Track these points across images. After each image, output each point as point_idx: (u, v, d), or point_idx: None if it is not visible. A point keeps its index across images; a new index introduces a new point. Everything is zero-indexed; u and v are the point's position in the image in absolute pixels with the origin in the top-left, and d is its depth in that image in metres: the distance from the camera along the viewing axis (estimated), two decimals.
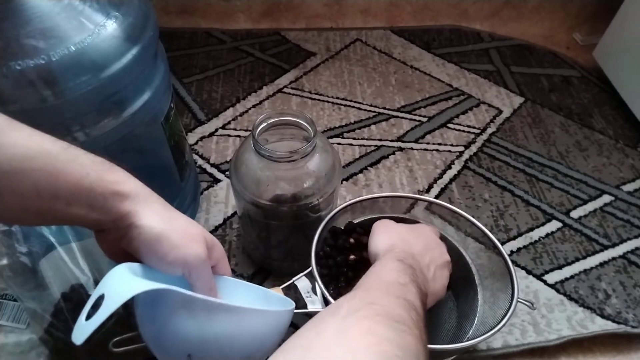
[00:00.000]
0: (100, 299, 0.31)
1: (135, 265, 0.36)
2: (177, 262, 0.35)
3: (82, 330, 0.30)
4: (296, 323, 0.63)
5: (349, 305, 0.32)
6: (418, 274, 0.43)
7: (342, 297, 0.35)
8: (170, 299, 0.34)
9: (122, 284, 0.32)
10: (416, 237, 0.50)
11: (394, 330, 0.30)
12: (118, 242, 0.36)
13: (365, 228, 0.59)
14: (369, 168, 0.84)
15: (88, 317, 0.30)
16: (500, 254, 0.57)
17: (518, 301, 0.52)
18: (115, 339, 0.43)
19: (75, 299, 0.51)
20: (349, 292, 0.37)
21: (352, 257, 0.55)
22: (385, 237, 0.50)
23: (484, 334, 0.49)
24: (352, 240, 0.57)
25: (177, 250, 0.35)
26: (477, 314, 0.56)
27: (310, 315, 0.63)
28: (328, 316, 0.32)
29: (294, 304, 0.43)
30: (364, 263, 0.57)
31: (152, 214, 0.36)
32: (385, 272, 0.41)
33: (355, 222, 0.61)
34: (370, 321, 0.31)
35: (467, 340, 0.51)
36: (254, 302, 0.44)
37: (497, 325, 0.49)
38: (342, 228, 0.60)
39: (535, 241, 0.74)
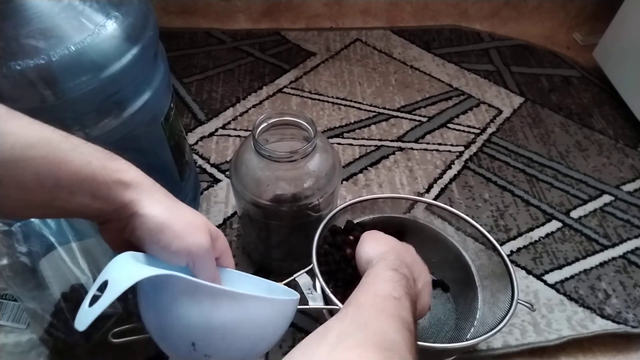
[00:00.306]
0: (104, 285, 0.30)
1: (139, 254, 0.35)
2: (180, 251, 0.35)
3: (86, 316, 0.29)
4: (295, 322, 0.63)
5: (340, 330, 0.31)
6: (411, 284, 0.41)
7: (333, 318, 0.34)
8: (174, 286, 0.33)
9: (126, 270, 0.32)
10: (405, 248, 0.49)
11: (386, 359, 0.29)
12: (121, 232, 0.36)
13: (365, 228, 0.59)
14: (369, 168, 0.84)
15: (92, 303, 0.30)
16: (499, 255, 0.57)
17: (518, 302, 0.52)
18: (115, 330, 0.43)
19: (75, 299, 0.52)
20: (339, 312, 0.35)
21: (348, 251, 0.55)
22: (375, 244, 0.48)
23: (483, 335, 0.49)
24: (351, 237, 0.57)
25: (180, 240, 0.35)
26: (477, 315, 0.56)
27: (311, 313, 0.63)
28: (317, 341, 0.30)
29: (298, 295, 0.43)
30: None
31: (155, 203, 0.35)
32: (379, 283, 0.39)
33: (354, 222, 0.61)
34: (361, 350, 0.29)
35: (467, 341, 0.51)
36: (258, 293, 0.44)
37: (497, 325, 0.49)
38: (342, 227, 0.60)
39: (535, 241, 0.74)
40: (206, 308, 0.34)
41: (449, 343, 0.56)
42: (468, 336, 0.54)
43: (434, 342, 0.57)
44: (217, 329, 0.34)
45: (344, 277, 0.55)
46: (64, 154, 0.32)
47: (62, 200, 0.33)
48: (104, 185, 0.33)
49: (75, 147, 0.33)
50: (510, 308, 0.51)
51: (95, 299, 0.30)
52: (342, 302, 0.49)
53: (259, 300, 0.36)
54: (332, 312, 0.53)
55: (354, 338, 0.30)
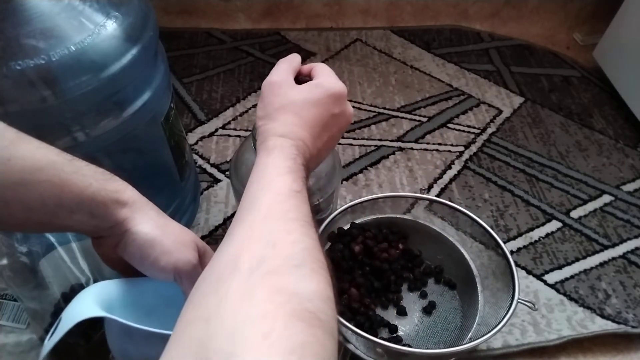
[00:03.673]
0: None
1: (111, 282, 0.38)
2: (167, 267, 0.36)
3: (44, 347, 0.32)
4: None
5: (250, 254, 0.28)
6: (308, 157, 0.37)
7: (237, 240, 0.30)
8: (115, 325, 0.35)
9: (75, 309, 0.34)
10: (304, 106, 0.39)
11: (302, 278, 0.27)
12: (114, 247, 0.37)
13: (367, 229, 0.60)
14: (369, 168, 0.84)
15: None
16: (502, 253, 0.56)
17: (519, 302, 0.52)
18: None
19: None
20: (238, 224, 0.31)
21: (356, 248, 0.57)
22: (270, 114, 0.39)
23: (484, 335, 0.49)
24: (359, 243, 0.59)
25: (168, 256, 0.36)
26: (478, 314, 0.56)
27: None
28: (229, 274, 0.27)
29: None
30: (369, 256, 0.58)
31: (147, 220, 0.37)
32: (277, 177, 0.34)
33: (357, 223, 0.61)
34: (275, 276, 0.27)
35: (469, 341, 0.51)
36: None
37: (496, 326, 0.49)
38: (345, 229, 0.60)
39: (535, 241, 0.74)
40: (141, 346, 0.36)
41: (455, 342, 0.56)
42: (470, 335, 0.54)
43: (439, 341, 0.57)
44: None
45: (345, 267, 0.57)
46: (68, 176, 0.34)
47: (61, 219, 0.34)
48: (103, 205, 0.35)
49: (78, 170, 0.35)
50: (510, 307, 0.51)
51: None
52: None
53: None
54: None
55: (267, 263, 0.27)
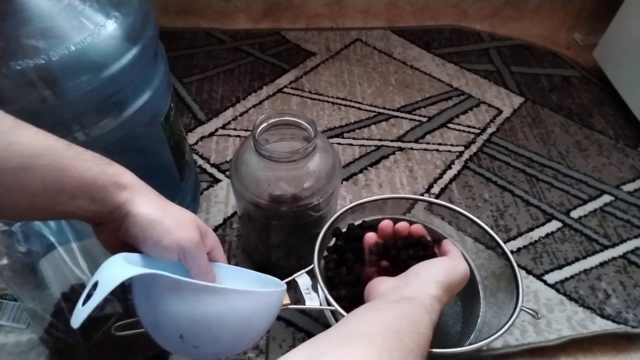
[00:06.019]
0: (96, 285, 0.32)
1: (132, 254, 0.37)
2: (171, 246, 0.37)
3: (79, 314, 0.31)
4: (295, 322, 0.63)
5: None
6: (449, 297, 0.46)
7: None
8: (160, 283, 0.35)
9: (114, 270, 0.34)
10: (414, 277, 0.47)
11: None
12: (115, 232, 0.37)
13: (370, 229, 0.59)
14: (369, 168, 0.84)
15: (85, 303, 0.32)
16: (504, 255, 0.56)
17: (522, 309, 0.51)
18: (117, 324, 0.45)
19: (75, 299, 0.51)
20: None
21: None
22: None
23: (484, 339, 0.49)
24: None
25: (171, 235, 0.36)
26: (479, 314, 0.56)
27: (311, 313, 0.63)
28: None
29: (283, 287, 0.44)
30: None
31: (148, 202, 0.37)
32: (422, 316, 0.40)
33: (363, 221, 0.61)
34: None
35: (469, 345, 0.50)
36: (249, 286, 0.45)
37: (498, 331, 0.49)
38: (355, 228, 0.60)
39: (535, 241, 0.74)
40: (190, 303, 0.35)
41: (454, 345, 0.56)
42: (471, 337, 0.54)
43: (438, 345, 0.57)
44: (201, 322, 0.36)
45: (351, 274, 0.55)
46: (68, 161, 0.34)
47: (62, 205, 0.34)
48: (102, 189, 0.35)
49: (77, 155, 0.35)
50: (512, 314, 0.51)
51: (88, 298, 0.32)
52: (341, 303, 0.49)
53: (239, 293, 0.38)
54: (333, 315, 0.52)
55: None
